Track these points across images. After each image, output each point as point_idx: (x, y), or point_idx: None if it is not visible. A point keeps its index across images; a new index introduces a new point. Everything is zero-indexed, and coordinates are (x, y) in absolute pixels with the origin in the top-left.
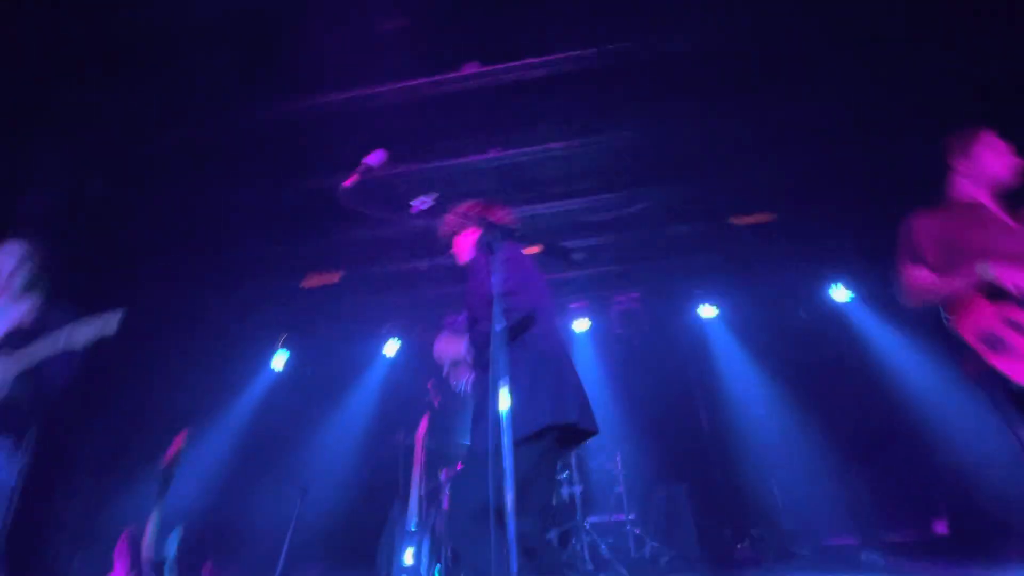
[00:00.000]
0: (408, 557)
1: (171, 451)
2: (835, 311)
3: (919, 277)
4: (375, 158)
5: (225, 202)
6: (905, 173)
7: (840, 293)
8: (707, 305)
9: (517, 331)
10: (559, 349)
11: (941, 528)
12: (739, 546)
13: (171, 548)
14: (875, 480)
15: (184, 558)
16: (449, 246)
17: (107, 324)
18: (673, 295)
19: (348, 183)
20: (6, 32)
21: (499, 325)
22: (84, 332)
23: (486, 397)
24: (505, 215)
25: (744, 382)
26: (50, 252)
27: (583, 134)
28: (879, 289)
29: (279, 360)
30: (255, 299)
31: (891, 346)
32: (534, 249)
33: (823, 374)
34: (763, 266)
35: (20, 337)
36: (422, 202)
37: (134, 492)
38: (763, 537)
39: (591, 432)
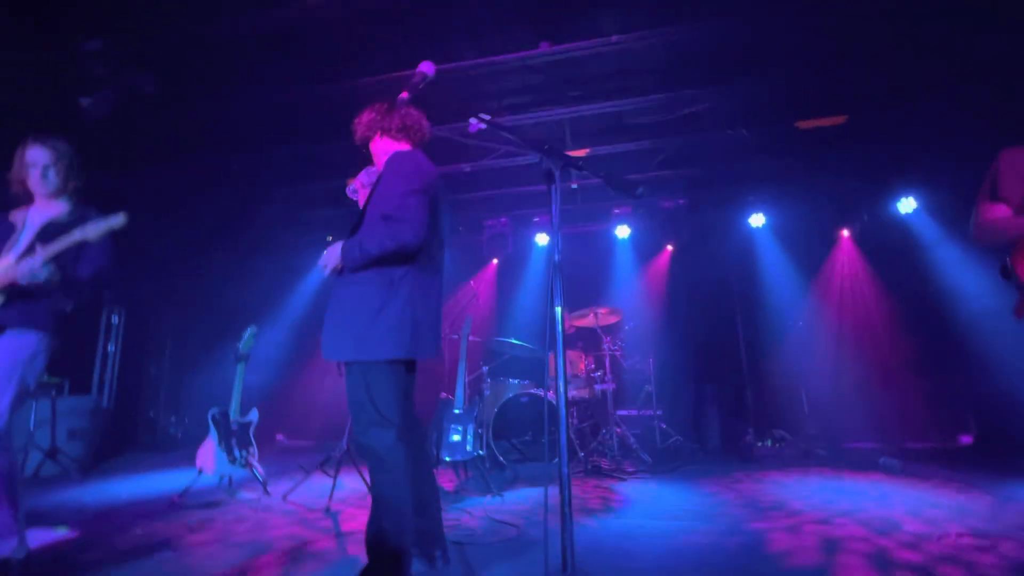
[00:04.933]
0: (455, 436)
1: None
2: (893, 225)
3: (995, 212)
4: (428, 67)
5: (272, 104)
6: (998, 77)
7: (906, 204)
8: (757, 214)
9: (389, 259)
10: (419, 287)
11: (965, 441)
12: (759, 444)
13: (254, 415)
14: (908, 394)
15: (260, 430)
16: (365, 149)
17: (113, 221)
18: (722, 203)
19: (405, 94)
20: None
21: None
22: (95, 228)
23: (340, 306)
24: (404, 119)
25: (787, 293)
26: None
27: (646, 26)
28: (947, 202)
29: None
30: (301, 200)
31: (946, 264)
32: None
33: (870, 288)
34: (824, 174)
35: (54, 232)
36: (477, 123)
37: (211, 372)
38: (784, 439)
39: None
